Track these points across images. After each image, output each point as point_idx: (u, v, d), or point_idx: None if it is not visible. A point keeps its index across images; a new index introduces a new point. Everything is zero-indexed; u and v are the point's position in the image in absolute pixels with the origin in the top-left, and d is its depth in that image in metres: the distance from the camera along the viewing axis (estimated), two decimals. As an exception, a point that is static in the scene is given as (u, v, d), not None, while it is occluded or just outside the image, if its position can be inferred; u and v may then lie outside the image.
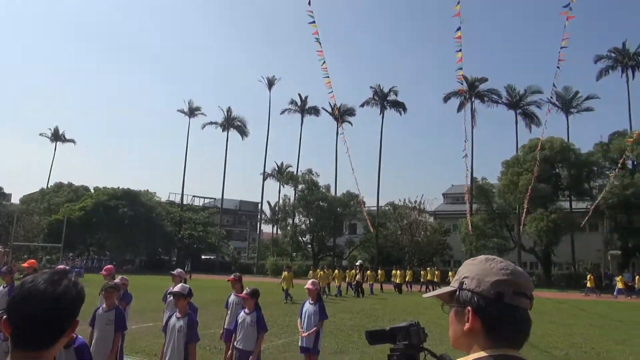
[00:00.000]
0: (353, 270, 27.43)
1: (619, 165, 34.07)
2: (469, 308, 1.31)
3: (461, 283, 1.37)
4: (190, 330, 5.55)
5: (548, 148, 38.51)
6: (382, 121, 51.44)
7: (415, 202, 46.10)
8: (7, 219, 45.43)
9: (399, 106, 52.39)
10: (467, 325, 1.31)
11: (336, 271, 27.11)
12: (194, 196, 69.46)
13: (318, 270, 25.60)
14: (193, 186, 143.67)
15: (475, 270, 1.36)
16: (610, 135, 42.12)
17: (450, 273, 31.74)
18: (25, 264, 12.43)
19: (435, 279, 30.11)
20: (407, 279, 30.48)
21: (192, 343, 5.54)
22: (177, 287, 5.93)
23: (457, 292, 1.37)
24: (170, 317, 5.87)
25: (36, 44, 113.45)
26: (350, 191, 49.97)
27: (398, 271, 29.71)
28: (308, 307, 7.55)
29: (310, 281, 7.95)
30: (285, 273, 21.39)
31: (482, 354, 1.27)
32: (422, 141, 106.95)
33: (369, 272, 28.89)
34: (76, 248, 49.49)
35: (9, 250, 37.15)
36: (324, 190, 49.91)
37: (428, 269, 31.48)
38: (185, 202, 61.16)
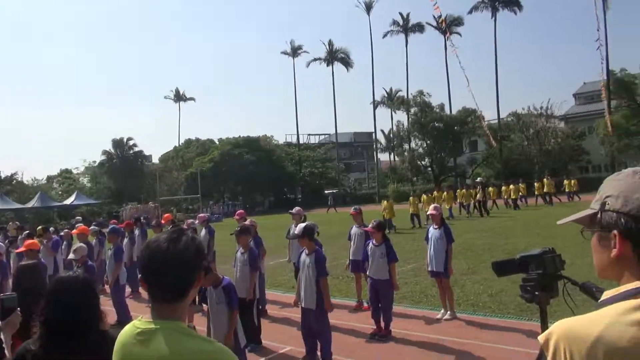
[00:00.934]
0: (472, 190, 24.76)
1: None
2: (615, 232, 1.11)
3: (603, 204, 1.16)
4: (319, 266, 5.82)
5: None
6: (494, 25, 46.99)
7: (542, 107, 42.30)
8: (152, 178, 51.03)
9: (513, 4, 47.25)
10: (614, 252, 1.11)
11: (435, 192, 24.32)
12: (309, 134, 71.31)
13: (410, 197, 22.82)
14: (307, 125, 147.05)
15: (620, 187, 1.14)
16: None
17: (566, 182, 28.53)
18: (162, 220, 13.92)
19: (551, 190, 27.01)
20: (520, 193, 27.13)
21: (323, 277, 5.82)
22: (296, 229, 6.20)
23: (599, 215, 1.16)
24: (301, 253, 6.20)
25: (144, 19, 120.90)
26: (466, 107, 47.47)
27: (511, 186, 26.71)
28: (433, 232, 7.47)
29: (432, 206, 7.81)
30: (384, 202, 21.30)
31: (638, 283, 1.07)
32: (543, 40, 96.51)
33: (490, 188, 27.11)
34: (212, 196, 54.15)
35: (158, 204, 41.93)
36: (437, 110, 47.93)
37: (545, 179, 27.81)
38: (301, 142, 63.10)
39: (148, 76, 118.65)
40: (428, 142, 47.97)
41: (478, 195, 24.02)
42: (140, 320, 1.68)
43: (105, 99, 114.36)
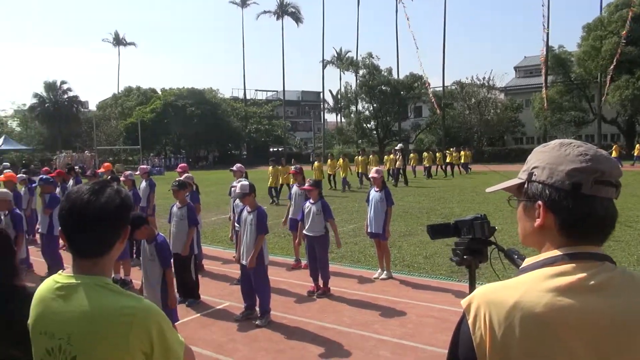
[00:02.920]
0: (391, 155, 23.41)
1: None
2: (540, 202, 1.16)
3: (530, 174, 1.20)
4: (260, 223, 5.86)
5: (639, 4, 34.09)
6: (446, -8, 47.24)
7: (484, 78, 43.56)
8: (88, 125, 48.50)
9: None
10: (537, 222, 1.16)
11: (340, 160, 21.90)
12: (256, 90, 69.92)
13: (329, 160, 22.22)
14: (255, 81, 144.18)
15: (546, 159, 1.18)
16: None
17: (462, 153, 28.30)
18: (101, 168, 13.39)
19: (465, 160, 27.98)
20: (463, 161, 28.00)
21: (261, 234, 5.88)
22: (238, 187, 6.16)
23: (526, 185, 1.20)
24: (242, 210, 6.18)
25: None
26: (413, 73, 48.04)
27: (427, 153, 26.76)
28: (374, 194, 7.63)
29: (374, 169, 7.96)
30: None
31: (556, 252, 1.14)
32: (490, 12, 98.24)
33: (412, 154, 27.61)
34: (154, 149, 52.45)
35: (95, 154, 40.10)
36: (386, 74, 48.22)
37: (463, 151, 28.38)
38: (248, 97, 61.88)
39: (85, 15, 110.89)
40: (375, 105, 48.48)
41: (397, 163, 22.35)
42: (60, 274, 1.60)
43: (36, 37, 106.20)
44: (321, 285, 6.88)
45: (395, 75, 48.75)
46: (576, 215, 1.12)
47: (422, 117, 51.50)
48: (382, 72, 48.13)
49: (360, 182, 22.15)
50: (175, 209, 6.95)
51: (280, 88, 59.38)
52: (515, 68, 53.90)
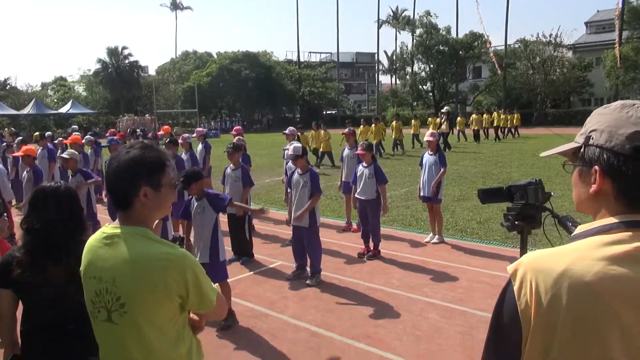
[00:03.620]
0: (437, 119, 23.03)
1: None
2: (596, 167, 1.09)
3: (587, 138, 1.13)
4: (313, 184, 5.93)
5: None
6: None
7: (551, 35, 40.86)
8: (148, 90, 50.16)
9: None
10: (593, 188, 1.10)
11: (376, 125, 19.78)
12: (310, 52, 69.58)
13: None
14: (308, 43, 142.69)
15: (606, 121, 1.10)
16: None
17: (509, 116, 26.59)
18: (160, 131, 13.88)
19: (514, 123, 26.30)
20: (514, 123, 26.48)
21: (316, 194, 5.96)
22: (290, 149, 6.20)
23: (582, 149, 1.14)
24: (292, 173, 6.26)
25: None
26: (473, 31, 45.75)
27: (475, 116, 25.36)
28: (428, 157, 7.49)
29: (429, 132, 7.78)
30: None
31: (612, 219, 1.08)
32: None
33: (459, 118, 26.11)
34: (210, 112, 53.61)
35: (155, 117, 41.56)
36: (444, 32, 46.26)
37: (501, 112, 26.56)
38: (302, 60, 61.47)
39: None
40: (431, 66, 46.87)
41: (443, 126, 21.80)
42: (108, 225, 1.77)
43: (99, 2, 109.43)
44: (372, 248, 6.92)
45: (453, 35, 46.77)
46: (635, 182, 1.05)
47: (481, 78, 49.35)
48: (440, 31, 46.18)
49: (394, 148, 20.96)
50: (229, 170, 7.10)
51: (334, 50, 58.57)
52: (586, 23, 50.22)
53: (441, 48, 45.43)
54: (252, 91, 48.97)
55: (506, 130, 26.67)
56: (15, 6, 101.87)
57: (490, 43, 40.34)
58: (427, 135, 7.64)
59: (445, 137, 21.11)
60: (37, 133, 11.55)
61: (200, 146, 10.52)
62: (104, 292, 1.69)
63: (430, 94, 48.89)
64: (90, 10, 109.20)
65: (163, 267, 1.63)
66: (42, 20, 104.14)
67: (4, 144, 13.52)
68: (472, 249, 7.10)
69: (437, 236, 7.49)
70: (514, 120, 26.89)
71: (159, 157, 1.77)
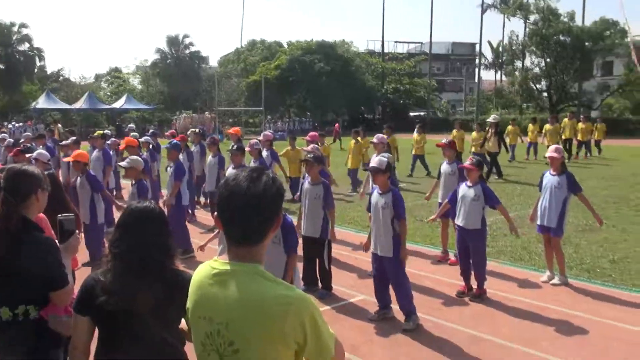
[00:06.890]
0: (509, 127, 21.25)
1: None
2: None
3: None
4: (397, 208, 5.81)
5: None
6: None
7: None
8: (208, 84, 52.26)
9: None
10: None
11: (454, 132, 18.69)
12: (396, 42, 69.20)
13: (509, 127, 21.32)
14: (395, 31, 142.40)
15: None
16: None
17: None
18: (230, 131, 14.35)
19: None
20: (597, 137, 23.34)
21: (401, 219, 5.82)
22: (374, 162, 6.18)
23: None
24: (372, 193, 6.18)
25: None
26: (605, 17, 43.63)
27: (532, 125, 22.51)
28: (550, 178, 7.20)
29: (553, 147, 7.48)
30: (510, 127, 20.61)
31: None
32: None
33: (510, 127, 21.58)
34: (277, 110, 54.86)
35: (215, 115, 43.16)
36: (566, 19, 44.45)
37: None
38: (386, 51, 61.51)
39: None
40: (548, 60, 45.13)
41: (489, 143, 16.83)
42: (216, 260, 1.88)
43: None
44: (474, 287, 6.72)
45: (578, 22, 44.84)
46: None
47: (613, 75, 46.96)
48: (561, 18, 44.41)
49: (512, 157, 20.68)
50: (307, 185, 7.02)
51: (425, 39, 58.21)
52: None
53: (561, 38, 43.67)
54: (327, 87, 49.50)
55: (583, 144, 22.94)
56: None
57: (628, 31, 38.15)
58: (550, 150, 7.35)
59: (494, 158, 17.02)
60: (100, 132, 12.33)
61: (264, 153, 10.73)
62: (215, 334, 1.82)
63: (545, 94, 47.16)
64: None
65: (282, 311, 1.74)
66: (98, 6, 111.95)
67: (58, 144, 14.43)
68: (604, 295, 6.74)
69: (558, 275, 7.15)
70: (597, 133, 23.55)
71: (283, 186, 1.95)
